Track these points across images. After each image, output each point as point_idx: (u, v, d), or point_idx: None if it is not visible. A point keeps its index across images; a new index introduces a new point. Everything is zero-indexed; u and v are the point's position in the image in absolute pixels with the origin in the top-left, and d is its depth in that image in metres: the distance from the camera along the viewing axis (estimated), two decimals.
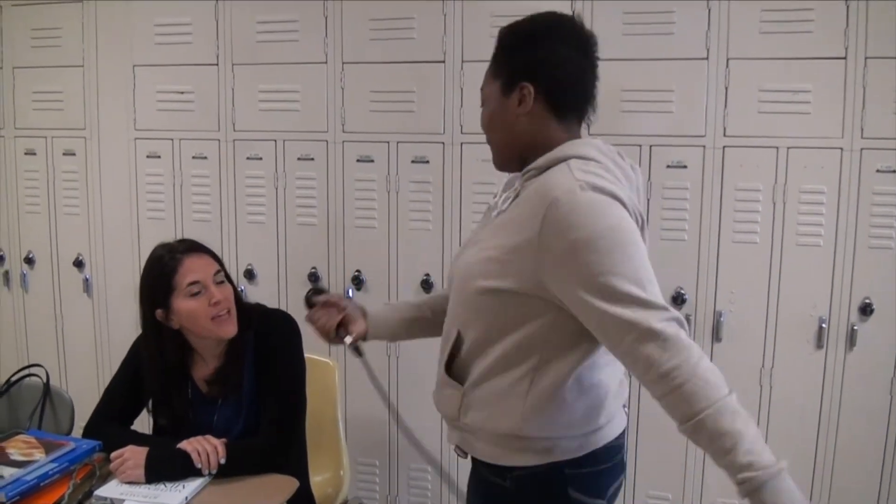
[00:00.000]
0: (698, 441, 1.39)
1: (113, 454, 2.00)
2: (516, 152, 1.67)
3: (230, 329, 2.12)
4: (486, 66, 1.70)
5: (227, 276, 2.18)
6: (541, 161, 1.60)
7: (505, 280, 1.55)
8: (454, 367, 1.70)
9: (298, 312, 2.59)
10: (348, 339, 1.84)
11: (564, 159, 1.57)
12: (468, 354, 1.67)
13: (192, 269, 2.09)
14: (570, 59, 1.63)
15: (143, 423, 2.27)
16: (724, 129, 2.74)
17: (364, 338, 1.93)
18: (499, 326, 1.60)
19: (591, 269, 1.43)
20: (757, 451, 1.33)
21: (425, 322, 1.97)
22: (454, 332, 1.68)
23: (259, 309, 2.28)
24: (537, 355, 1.59)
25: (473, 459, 1.77)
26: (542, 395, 1.59)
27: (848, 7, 2.60)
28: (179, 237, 2.23)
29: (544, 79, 1.61)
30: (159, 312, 2.10)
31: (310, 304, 1.94)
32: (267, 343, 2.18)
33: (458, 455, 1.79)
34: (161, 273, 2.10)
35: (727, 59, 2.71)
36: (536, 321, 1.57)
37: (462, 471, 1.86)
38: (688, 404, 1.37)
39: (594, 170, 1.53)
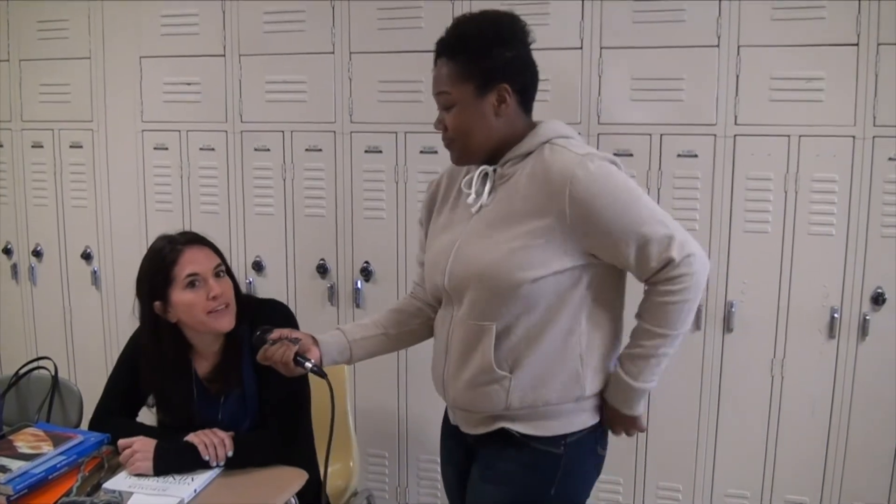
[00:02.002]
0: (650, 346, 1.70)
1: (122, 442, 2.00)
2: (490, 149, 1.76)
3: (226, 323, 2.09)
4: None
5: (229, 270, 2.16)
6: (523, 148, 1.74)
7: (548, 266, 1.66)
8: (495, 361, 1.73)
9: (308, 304, 2.57)
10: (309, 365, 1.83)
11: (546, 141, 1.73)
12: (516, 346, 1.71)
13: (192, 261, 2.07)
14: (528, 56, 1.77)
15: (148, 420, 2.26)
16: (735, 117, 2.72)
17: (320, 364, 1.92)
18: (546, 311, 1.69)
19: (622, 222, 1.62)
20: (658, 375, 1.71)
21: (383, 340, 1.99)
22: (489, 329, 1.71)
23: (252, 300, 2.25)
24: (583, 320, 1.72)
25: (514, 438, 1.76)
26: (595, 352, 1.74)
27: None
28: (185, 229, 2.22)
29: (518, 78, 1.74)
30: (157, 305, 2.08)
31: (260, 343, 1.88)
32: None
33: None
34: (160, 264, 2.07)
35: (738, 47, 2.68)
36: (577, 289, 1.70)
37: None
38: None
39: (580, 144, 1.75)
